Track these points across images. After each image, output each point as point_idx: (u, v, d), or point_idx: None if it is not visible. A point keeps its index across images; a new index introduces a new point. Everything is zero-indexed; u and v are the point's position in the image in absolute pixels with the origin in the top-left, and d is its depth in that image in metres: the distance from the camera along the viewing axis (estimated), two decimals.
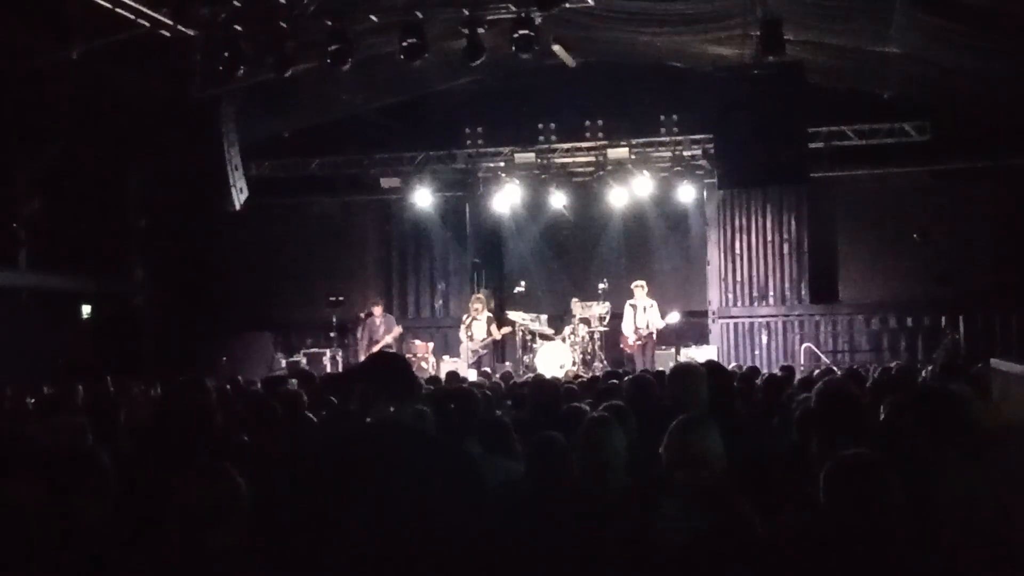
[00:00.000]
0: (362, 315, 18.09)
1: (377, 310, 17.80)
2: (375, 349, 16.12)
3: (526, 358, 17.77)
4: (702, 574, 3.82)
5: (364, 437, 4.38)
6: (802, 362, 17.22)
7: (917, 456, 4.39)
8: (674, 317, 17.15)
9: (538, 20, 13.75)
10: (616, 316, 18.12)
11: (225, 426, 5.82)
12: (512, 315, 18.39)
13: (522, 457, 4.96)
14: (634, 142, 18.68)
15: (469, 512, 3.97)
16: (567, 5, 13.79)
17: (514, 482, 4.79)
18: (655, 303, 17.31)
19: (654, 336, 17.11)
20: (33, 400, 9.57)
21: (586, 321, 17.71)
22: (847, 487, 3.74)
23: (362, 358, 14.82)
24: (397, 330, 17.65)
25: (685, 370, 6.25)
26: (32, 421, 7.15)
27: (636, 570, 3.97)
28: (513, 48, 13.71)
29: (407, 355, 16.38)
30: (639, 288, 17.33)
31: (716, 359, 16.47)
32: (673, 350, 17.41)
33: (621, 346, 17.59)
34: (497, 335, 17.58)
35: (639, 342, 17.10)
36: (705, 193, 19.09)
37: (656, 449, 4.54)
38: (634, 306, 17.27)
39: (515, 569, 4.16)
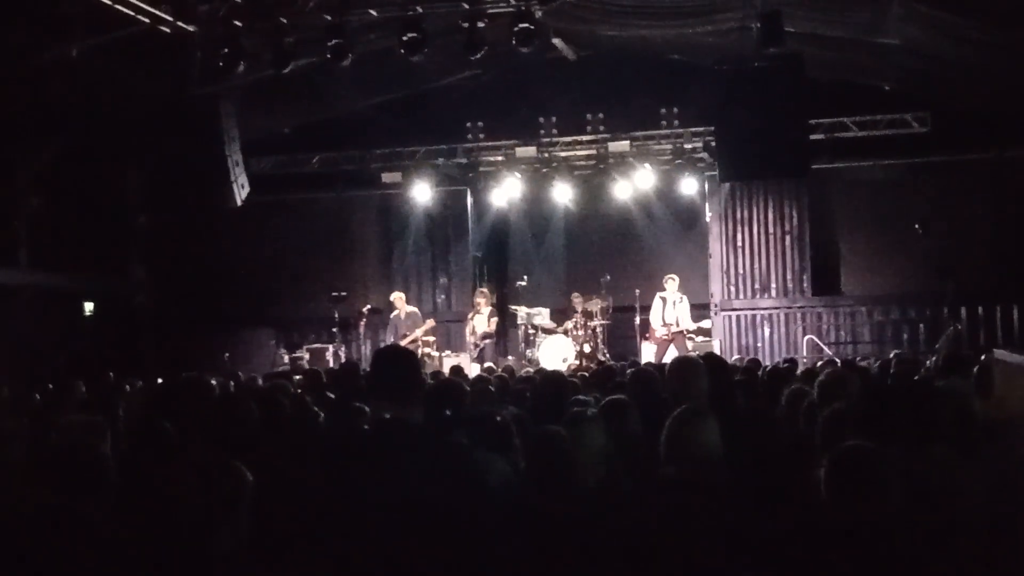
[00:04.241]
0: (364, 310, 18.10)
1: (400, 303, 17.49)
2: (404, 343, 15.87)
3: (529, 352, 17.79)
4: (700, 569, 3.82)
5: (368, 436, 4.37)
6: (804, 354, 17.21)
7: (908, 450, 4.37)
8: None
9: (538, 13, 13.74)
10: (618, 310, 18.19)
11: (228, 424, 5.81)
12: (514, 309, 18.42)
13: (521, 453, 4.94)
14: (635, 135, 18.65)
15: (470, 510, 3.97)
16: None
17: (515, 479, 4.78)
18: (686, 298, 17.32)
19: (684, 333, 17.10)
20: (39, 396, 9.58)
21: (588, 315, 17.73)
22: (848, 478, 3.74)
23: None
24: (428, 324, 17.26)
25: (684, 364, 6.23)
26: (45, 420, 7.15)
27: (633, 566, 3.97)
28: (513, 42, 13.70)
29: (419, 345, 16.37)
30: (671, 281, 17.28)
31: (718, 351, 16.52)
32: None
33: (647, 336, 17.59)
34: (490, 327, 17.52)
35: (666, 336, 17.09)
36: (706, 186, 19.09)
37: (658, 443, 4.54)
38: (664, 299, 17.24)
39: (516, 565, 4.15)
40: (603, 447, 4.76)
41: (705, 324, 17.64)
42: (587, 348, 17.52)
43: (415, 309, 17.67)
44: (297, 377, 10.84)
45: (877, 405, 4.65)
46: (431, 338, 17.25)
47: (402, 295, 17.82)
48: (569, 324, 17.86)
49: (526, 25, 13.57)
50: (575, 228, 20.68)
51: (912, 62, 15.84)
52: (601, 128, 18.72)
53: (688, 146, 18.51)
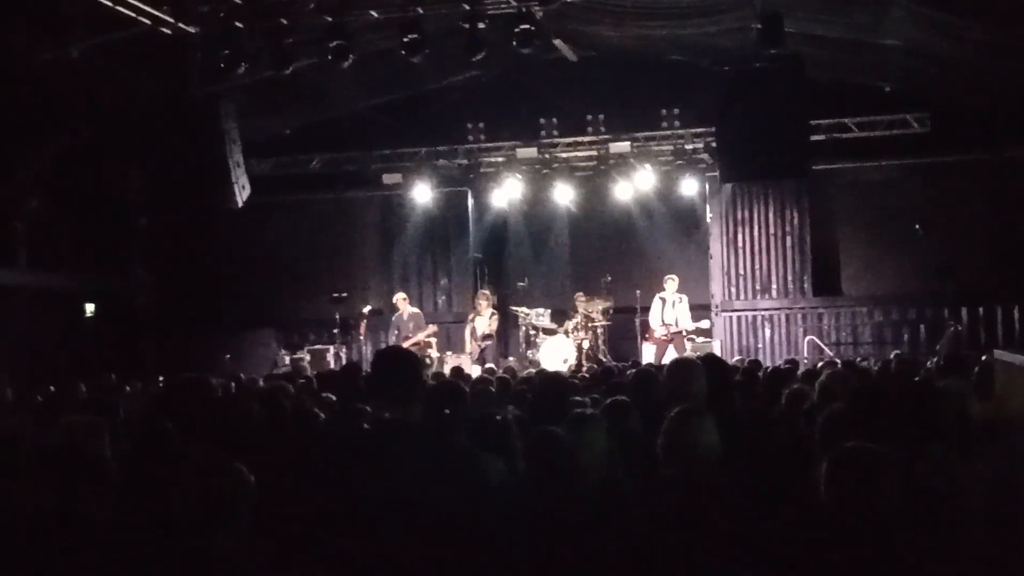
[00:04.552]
0: (364, 311, 18.08)
1: (402, 304, 17.37)
2: (405, 345, 15.74)
3: (529, 353, 17.78)
4: (700, 569, 3.82)
5: (369, 436, 4.37)
6: (805, 355, 17.20)
7: (908, 450, 4.38)
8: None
9: (539, 14, 13.75)
10: (619, 311, 18.18)
11: (229, 424, 5.81)
12: (515, 310, 18.41)
13: (521, 454, 4.94)
14: (636, 136, 18.65)
15: (471, 510, 3.96)
16: None
17: (514, 480, 4.77)
18: (685, 298, 17.31)
19: (683, 333, 17.08)
20: (41, 398, 9.58)
21: (589, 315, 17.72)
22: (847, 478, 3.74)
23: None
24: (431, 328, 17.17)
25: (682, 365, 6.22)
26: (46, 420, 7.14)
27: (633, 566, 3.97)
28: (514, 43, 13.71)
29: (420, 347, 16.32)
30: (671, 281, 17.28)
31: (719, 352, 16.50)
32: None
33: (647, 337, 17.57)
34: (490, 328, 17.49)
35: (665, 336, 17.07)
36: (707, 186, 19.07)
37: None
38: (663, 299, 17.23)
39: (517, 566, 4.16)
40: (605, 448, 4.76)
41: (704, 324, 17.62)
42: (587, 348, 17.52)
43: (418, 310, 17.62)
44: (301, 381, 10.82)
45: (877, 406, 4.64)
46: (432, 339, 17.23)
47: (405, 296, 17.75)
48: (570, 325, 17.85)
49: (527, 26, 13.58)
50: (576, 229, 20.66)
51: (912, 63, 15.84)
52: (602, 129, 18.71)
53: (689, 147, 18.49)
